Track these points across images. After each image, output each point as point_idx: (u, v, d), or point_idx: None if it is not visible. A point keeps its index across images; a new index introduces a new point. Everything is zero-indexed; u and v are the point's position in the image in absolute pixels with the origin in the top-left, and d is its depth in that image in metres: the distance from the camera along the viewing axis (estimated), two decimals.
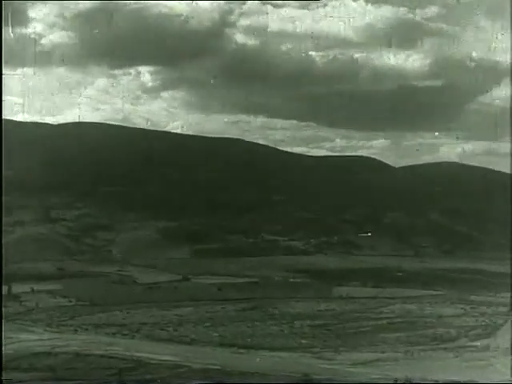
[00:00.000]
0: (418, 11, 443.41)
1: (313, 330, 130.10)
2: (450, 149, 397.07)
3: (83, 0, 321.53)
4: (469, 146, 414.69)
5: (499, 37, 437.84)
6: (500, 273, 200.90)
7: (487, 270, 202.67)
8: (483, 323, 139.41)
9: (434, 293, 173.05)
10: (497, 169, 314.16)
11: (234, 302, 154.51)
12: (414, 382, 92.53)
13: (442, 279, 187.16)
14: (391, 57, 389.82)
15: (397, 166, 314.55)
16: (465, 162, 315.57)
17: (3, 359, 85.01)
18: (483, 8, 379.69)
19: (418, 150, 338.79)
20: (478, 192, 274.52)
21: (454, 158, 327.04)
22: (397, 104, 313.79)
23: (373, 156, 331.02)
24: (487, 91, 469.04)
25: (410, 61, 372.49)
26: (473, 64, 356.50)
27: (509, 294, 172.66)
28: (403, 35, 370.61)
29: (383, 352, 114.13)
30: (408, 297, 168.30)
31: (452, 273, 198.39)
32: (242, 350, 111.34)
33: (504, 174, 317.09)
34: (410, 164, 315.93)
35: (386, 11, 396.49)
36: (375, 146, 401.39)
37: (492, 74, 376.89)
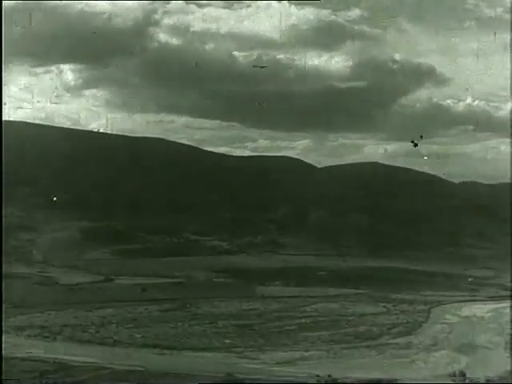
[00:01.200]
0: (341, 13, 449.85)
1: (236, 330, 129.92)
2: (373, 149, 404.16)
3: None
4: (391, 147, 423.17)
5: (421, 39, 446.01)
6: (421, 271, 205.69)
7: (409, 268, 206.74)
8: (405, 321, 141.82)
9: (357, 291, 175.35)
10: (419, 169, 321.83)
11: (158, 303, 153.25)
12: (338, 379, 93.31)
13: (364, 278, 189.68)
14: (314, 58, 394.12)
15: (320, 166, 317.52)
16: (387, 162, 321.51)
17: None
18: (405, 11, 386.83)
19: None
20: (400, 192, 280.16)
21: (376, 159, 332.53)
22: (320, 105, 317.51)
23: (296, 156, 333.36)
24: (409, 93, 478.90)
25: (333, 62, 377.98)
26: (395, 66, 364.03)
27: (429, 292, 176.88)
28: (326, 37, 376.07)
29: (306, 350, 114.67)
30: (331, 296, 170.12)
31: (374, 271, 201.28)
32: (165, 351, 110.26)
33: (425, 174, 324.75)
34: (333, 164, 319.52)
35: (310, 13, 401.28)
36: (298, 147, 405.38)
37: (414, 76, 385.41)
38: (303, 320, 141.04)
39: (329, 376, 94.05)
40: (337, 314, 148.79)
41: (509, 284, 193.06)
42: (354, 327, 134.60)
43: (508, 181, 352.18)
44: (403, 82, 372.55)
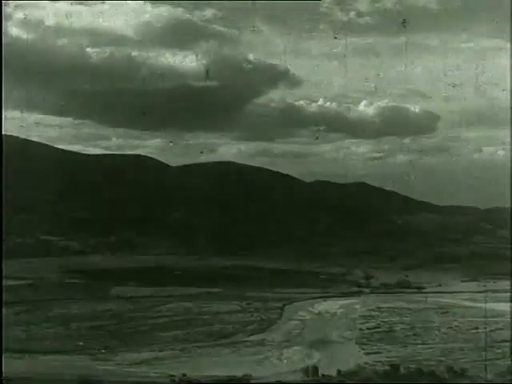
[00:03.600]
0: (196, 13, 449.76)
1: (90, 332, 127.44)
2: (228, 149, 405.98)
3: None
4: (245, 146, 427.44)
5: (276, 40, 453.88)
6: (275, 269, 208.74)
7: (263, 266, 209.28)
8: (258, 318, 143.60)
9: (211, 290, 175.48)
10: (273, 169, 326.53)
11: (8, 306, 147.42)
12: (192, 378, 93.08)
13: (219, 277, 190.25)
14: (169, 56, 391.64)
15: (174, 165, 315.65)
16: (241, 161, 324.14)
17: None
18: (261, 12, 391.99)
19: (201, 152, 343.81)
20: (254, 191, 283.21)
21: (231, 158, 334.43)
22: (175, 104, 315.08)
23: (150, 155, 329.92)
24: (264, 93, 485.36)
25: (187, 61, 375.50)
26: (250, 66, 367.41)
27: (283, 290, 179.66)
28: (181, 35, 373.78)
29: (161, 350, 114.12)
30: (186, 295, 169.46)
31: (229, 270, 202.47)
32: (16, 355, 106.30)
33: (279, 173, 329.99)
34: (188, 163, 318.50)
35: (165, 11, 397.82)
36: (152, 145, 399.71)
37: (268, 76, 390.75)
38: (158, 320, 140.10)
39: (183, 375, 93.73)
40: (192, 313, 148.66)
41: (360, 280, 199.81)
42: (208, 326, 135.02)
43: (359, 180, 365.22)
44: (258, 83, 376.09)
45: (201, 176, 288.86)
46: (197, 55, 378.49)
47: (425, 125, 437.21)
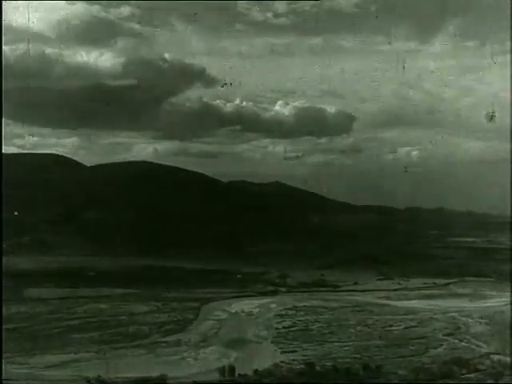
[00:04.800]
0: (112, 10, 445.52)
1: (3, 335, 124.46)
2: (144, 148, 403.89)
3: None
4: (161, 146, 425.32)
5: (193, 39, 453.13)
6: (191, 269, 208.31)
7: (179, 266, 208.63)
8: (175, 319, 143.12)
9: (128, 291, 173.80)
10: (190, 168, 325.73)
11: None
12: (107, 380, 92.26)
13: (135, 277, 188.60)
14: (84, 54, 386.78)
15: (89, 165, 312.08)
16: (157, 161, 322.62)
17: None
18: (178, 11, 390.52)
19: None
20: (171, 192, 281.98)
21: (146, 158, 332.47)
22: (90, 102, 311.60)
23: (66, 154, 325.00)
24: (180, 92, 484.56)
25: (103, 59, 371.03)
26: (166, 65, 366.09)
27: (199, 290, 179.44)
28: (97, 33, 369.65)
29: (76, 353, 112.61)
30: (101, 296, 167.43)
31: (145, 270, 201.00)
32: None
33: (196, 173, 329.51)
34: (103, 163, 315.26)
35: (80, 8, 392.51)
36: (67, 145, 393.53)
37: (185, 75, 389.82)
38: (73, 322, 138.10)
39: (99, 377, 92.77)
40: (107, 314, 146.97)
41: (276, 279, 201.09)
42: (124, 327, 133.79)
43: (276, 180, 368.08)
44: (174, 82, 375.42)
45: (116, 176, 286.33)
46: (113, 53, 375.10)
47: (341, 125, 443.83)
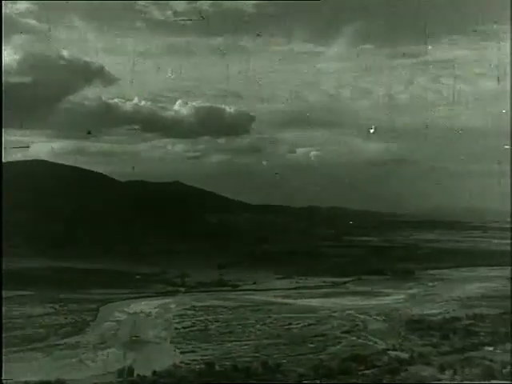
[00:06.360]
0: (8, 5, 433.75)
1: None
2: (41, 147, 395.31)
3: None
4: (58, 145, 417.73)
5: (91, 37, 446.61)
6: (90, 269, 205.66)
7: (77, 267, 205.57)
8: (73, 320, 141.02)
9: (23, 293, 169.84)
10: (87, 168, 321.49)
11: None
12: None
13: (31, 279, 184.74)
14: None
15: None
16: (55, 160, 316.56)
17: None
18: (78, 8, 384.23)
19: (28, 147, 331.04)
20: (68, 190, 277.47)
21: (43, 156, 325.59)
22: None
23: None
24: (78, 91, 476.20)
25: None
26: (64, 63, 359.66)
27: (98, 291, 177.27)
28: None
29: None
30: None
31: (42, 272, 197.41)
32: None
33: (94, 172, 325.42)
34: None
35: None
36: None
37: (83, 73, 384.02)
38: None
39: None
40: (3, 316, 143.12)
41: (175, 279, 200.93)
42: (20, 330, 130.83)
43: (175, 179, 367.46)
44: (72, 80, 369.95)
45: (12, 175, 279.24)
46: (9, 50, 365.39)
47: (240, 125, 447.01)
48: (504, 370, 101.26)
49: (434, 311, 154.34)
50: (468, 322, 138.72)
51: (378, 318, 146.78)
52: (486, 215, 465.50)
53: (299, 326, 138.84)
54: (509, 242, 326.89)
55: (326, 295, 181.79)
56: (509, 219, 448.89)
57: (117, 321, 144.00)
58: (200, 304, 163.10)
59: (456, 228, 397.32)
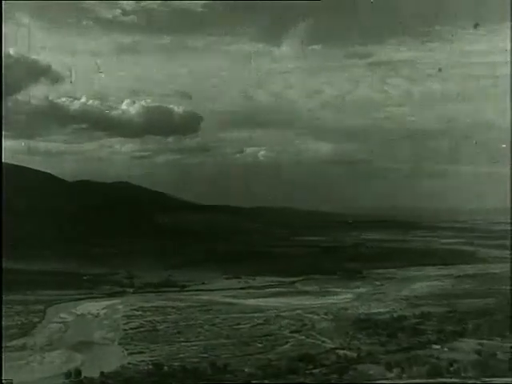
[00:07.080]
0: None
1: None
2: None
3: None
4: (5, 144, 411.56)
5: (38, 35, 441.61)
6: (36, 270, 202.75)
7: (24, 268, 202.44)
8: (19, 322, 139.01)
9: None
10: (34, 167, 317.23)
11: None
12: None
13: None
14: None
15: None
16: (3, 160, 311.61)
17: None
18: (22, 4, 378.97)
19: None
20: (13, 191, 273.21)
21: None
22: None
23: None
24: (24, 89, 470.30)
25: None
26: (10, 61, 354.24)
27: (45, 292, 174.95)
28: None
29: None
30: None
31: None
32: None
33: (39, 172, 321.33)
34: None
35: None
36: None
37: (29, 72, 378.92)
38: None
39: None
40: None
41: (123, 280, 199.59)
42: None
43: (123, 179, 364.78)
44: (18, 78, 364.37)
45: None
46: None
47: (188, 125, 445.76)
48: (451, 368, 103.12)
49: (381, 310, 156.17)
50: (415, 320, 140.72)
51: (326, 317, 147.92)
52: (436, 215, 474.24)
53: (248, 325, 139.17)
54: (455, 241, 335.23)
55: (274, 295, 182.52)
56: (456, 219, 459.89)
57: (63, 322, 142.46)
58: (148, 305, 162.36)
59: (405, 227, 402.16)
